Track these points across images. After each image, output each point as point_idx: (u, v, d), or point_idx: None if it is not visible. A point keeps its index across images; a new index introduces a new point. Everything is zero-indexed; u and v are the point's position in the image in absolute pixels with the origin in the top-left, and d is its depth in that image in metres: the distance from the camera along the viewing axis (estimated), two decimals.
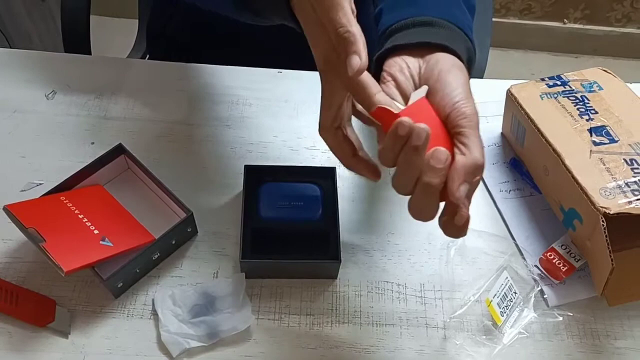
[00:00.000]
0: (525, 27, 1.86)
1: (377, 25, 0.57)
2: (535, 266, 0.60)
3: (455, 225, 0.45)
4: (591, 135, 0.61)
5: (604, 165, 0.58)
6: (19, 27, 1.34)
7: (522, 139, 0.66)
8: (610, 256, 0.53)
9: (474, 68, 0.54)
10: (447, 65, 0.47)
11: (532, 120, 0.63)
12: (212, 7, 0.58)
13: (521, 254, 0.62)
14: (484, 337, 0.56)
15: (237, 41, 0.82)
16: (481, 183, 0.68)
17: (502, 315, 0.56)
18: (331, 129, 0.47)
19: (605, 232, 0.53)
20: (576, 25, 1.90)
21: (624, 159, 0.58)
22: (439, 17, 0.51)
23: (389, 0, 0.57)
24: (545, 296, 0.59)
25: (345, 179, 0.66)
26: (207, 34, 0.83)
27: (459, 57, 0.49)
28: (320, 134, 0.48)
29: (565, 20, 1.89)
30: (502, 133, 0.71)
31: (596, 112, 0.63)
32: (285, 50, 0.71)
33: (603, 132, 0.61)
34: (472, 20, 0.59)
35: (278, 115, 0.72)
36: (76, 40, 0.90)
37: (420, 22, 0.51)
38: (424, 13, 0.52)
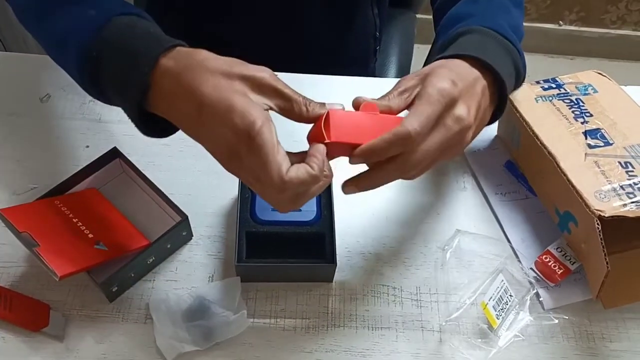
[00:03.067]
0: None
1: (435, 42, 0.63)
2: (531, 269, 0.60)
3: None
4: (586, 138, 0.61)
5: (599, 168, 0.58)
6: (13, 30, 1.33)
7: (518, 141, 0.66)
8: (606, 259, 0.53)
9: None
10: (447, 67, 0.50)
11: (527, 123, 0.63)
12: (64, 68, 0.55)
13: (517, 256, 0.62)
14: (480, 340, 0.56)
15: (231, 44, 0.82)
16: (476, 185, 0.68)
17: (498, 318, 0.55)
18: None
19: (600, 235, 0.53)
20: (571, 27, 1.91)
21: (618, 162, 0.58)
22: (477, 25, 0.56)
23: (442, 23, 0.62)
24: (540, 299, 0.59)
25: (341, 182, 0.66)
26: (201, 38, 0.83)
27: (473, 59, 0.52)
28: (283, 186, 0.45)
29: (560, 22, 1.90)
30: (497, 136, 0.71)
31: (591, 115, 0.63)
32: (280, 53, 0.71)
33: (598, 135, 0.61)
34: (521, 16, 0.62)
35: (274, 118, 0.71)
36: None
37: (458, 34, 0.56)
38: (464, 25, 0.56)
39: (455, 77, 0.49)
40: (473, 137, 0.51)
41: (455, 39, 0.56)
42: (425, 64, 1.06)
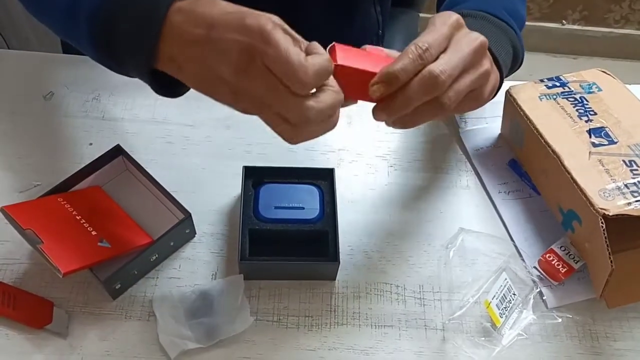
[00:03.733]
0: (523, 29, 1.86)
1: None
2: (534, 267, 0.60)
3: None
4: (590, 137, 0.61)
5: (603, 166, 0.58)
6: (16, 28, 1.34)
7: (521, 140, 0.66)
8: (610, 258, 0.52)
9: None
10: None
11: (531, 122, 0.63)
12: (73, 43, 0.54)
13: (520, 255, 0.62)
14: (483, 338, 0.56)
15: None
16: (480, 184, 0.68)
17: (501, 317, 0.55)
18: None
19: (604, 234, 0.53)
20: (574, 27, 1.90)
21: (622, 160, 0.58)
22: (472, 9, 0.56)
23: (443, 7, 0.62)
24: (544, 298, 0.59)
25: (344, 180, 0.66)
26: None
27: None
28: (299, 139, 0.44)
29: (563, 21, 1.90)
30: (500, 134, 0.71)
31: (595, 114, 0.63)
32: None
33: (602, 134, 0.61)
34: (522, 3, 0.63)
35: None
36: None
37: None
38: (461, 8, 0.56)
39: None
40: (490, 93, 0.51)
41: None
42: None
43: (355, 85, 0.45)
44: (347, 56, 0.45)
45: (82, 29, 0.48)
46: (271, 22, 0.40)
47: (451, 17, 0.48)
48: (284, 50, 0.39)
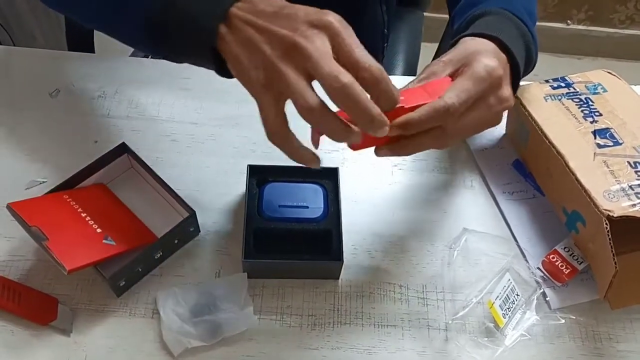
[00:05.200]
0: None
1: (451, 26, 0.64)
2: (538, 268, 0.60)
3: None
4: (595, 138, 0.60)
5: (608, 167, 0.58)
6: (22, 25, 1.34)
7: (526, 140, 0.66)
8: (614, 259, 0.52)
9: None
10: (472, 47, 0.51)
11: (535, 122, 0.62)
12: (123, 40, 0.54)
13: (524, 256, 0.62)
14: (486, 339, 0.56)
15: None
16: (484, 184, 0.68)
17: (504, 317, 0.55)
18: (283, 129, 0.44)
19: (608, 235, 0.53)
20: (579, 27, 1.90)
21: (627, 162, 0.58)
22: (494, 6, 0.56)
23: (459, 8, 0.63)
24: (547, 299, 0.59)
25: (348, 180, 0.66)
26: None
27: (497, 41, 0.52)
28: (275, 142, 0.44)
29: (568, 21, 1.89)
30: (505, 134, 0.71)
31: (600, 115, 0.63)
32: None
33: (607, 135, 0.61)
34: (535, 3, 0.63)
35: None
36: (80, 38, 0.90)
37: (477, 15, 0.56)
38: (481, 7, 0.57)
39: (497, 56, 0.50)
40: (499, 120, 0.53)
41: (473, 21, 0.56)
42: (434, 59, 1.06)
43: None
44: None
45: (132, 16, 0.48)
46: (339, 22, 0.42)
47: (497, 73, 0.48)
48: (350, 35, 0.41)
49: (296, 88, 0.40)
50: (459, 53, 0.51)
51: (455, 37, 0.56)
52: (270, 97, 0.42)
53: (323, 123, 0.41)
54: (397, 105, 0.44)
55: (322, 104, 0.41)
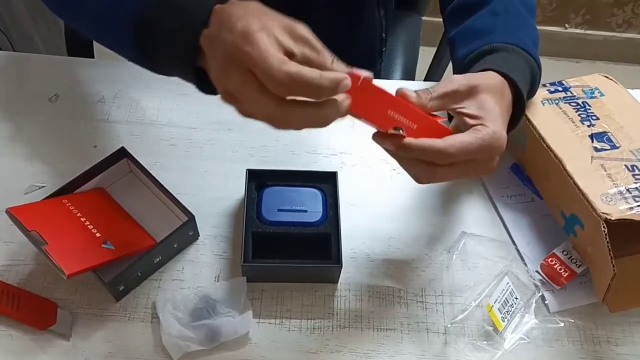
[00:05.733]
0: None
1: (451, 48, 0.66)
2: (537, 272, 0.60)
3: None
4: (592, 141, 0.61)
5: (605, 171, 0.58)
6: (21, 30, 1.34)
7: (524, 144, 0.66)
8: (612, 262, 0.53)
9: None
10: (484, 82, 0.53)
11: (533, 126, 0.63)
12: (112, 47, 0.55)
13: (522, 259, 0.62)
14: (485, 342, 0.56)
15: None
16: (482, 188, 0.68)
17: (503, 321, 0.56)
18: (278, 109, 0.42)
19: (606, 238, 0.53)
20: (577, 30, 1.90)
21: (625, 165, 0.58)
22: (502, 42, 0.58)
23: (461, 32, 0.64)
24: (546, 302, 0.59)
25: (347, 184, 0.66)
26: None
27: (509, 78, 0.54)
28: (279, 125, 0.42)
29: (566, 25, 1.90)
30: None
31: (597, 118, 0.63)
32: None
33: (604, 138, 0.61)
34: (534, 22, 0.64)
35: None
36: (79, 43, 0.90)
37: (487, 51, 0.58)
38: (489, 42, 0.58)
39: (504, 110, 0.52)
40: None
41: (483, 56, 0.58)
42: (431, 65, 1.06)
43: (372, 106, 0.45)
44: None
45: (121, 32, 0.49)
46: (259, 26, 0.41)
47: (501, 141, 0.49)
48: (265, 48, 0.39)
49: (247, 91, 0.41)
50: (469, 82, 0.52)
51: (465, 67, 0.58)
52: (247, 96, 0.42)
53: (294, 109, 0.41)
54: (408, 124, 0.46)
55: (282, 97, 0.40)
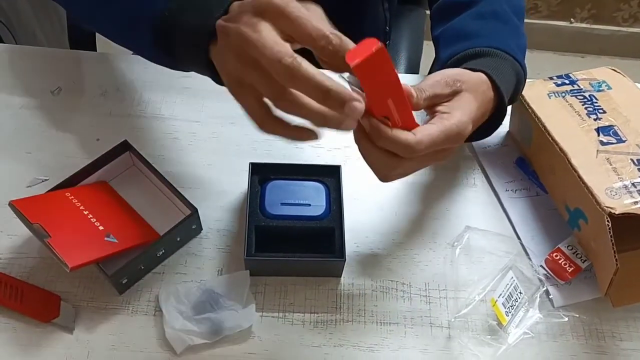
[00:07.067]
0: (531, 27, 1.85)
1: (436, 47, 0.65)
2: (541, 266, 0.60)
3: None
4: (598, 135, 0.60)
5: (611, 165, 0.57)
6: (24, 24, 1.34)
7: (529, 138, 0.66)
8: (615, 256, 0.52)
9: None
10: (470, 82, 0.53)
11: (539, 119, 0.62)
12: (130, 47, 0.56)
13: (527, 254, 0.62)
14: (489, 337, 0.56)
15: None
16: (486, 182, 0.67)
17: (507, 315, 0.55)
18: (269, 118, 0.44)
19: (610, 232, 0.52)
20: (583, 25, 1.89)
21: (630, 159, 0.58)
22: (488, 46, 0.58)
23: (446, 32, 0.63)
24: (550, 297, 0.59)
25: (351, 177, 0.66)
26: None
27: (492, 81, 0.54)
28: (267, 130, 0.44)
29: (571, 19, 1.89)
30: (508, 132, 0.71)
31: (604, 112, 0.62)
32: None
33: (610, 132, 0.61)
34: (522, 26, 0.64)
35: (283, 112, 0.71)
36: (81, 36, 0.90)
37: (472, 54, 0.58)
38: (475, 45, 0.58)
39: (478, 107, 0.52)
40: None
41: (466, 60, 0.57)
42: (433, 65, 1.06)
43: (377, 86, 0.43)
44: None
45: (143, 33, 0.50)
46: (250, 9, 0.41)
47: (464, 132, 0.49)
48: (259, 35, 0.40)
49: (260, 80, 0.41)
50: (454, 78, 0.52)
51: (444, 66, 0.58)
52: (245, 92, 0.43)
53: (300, 104, 0.42)
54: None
55: (286, 90, 0.41)
